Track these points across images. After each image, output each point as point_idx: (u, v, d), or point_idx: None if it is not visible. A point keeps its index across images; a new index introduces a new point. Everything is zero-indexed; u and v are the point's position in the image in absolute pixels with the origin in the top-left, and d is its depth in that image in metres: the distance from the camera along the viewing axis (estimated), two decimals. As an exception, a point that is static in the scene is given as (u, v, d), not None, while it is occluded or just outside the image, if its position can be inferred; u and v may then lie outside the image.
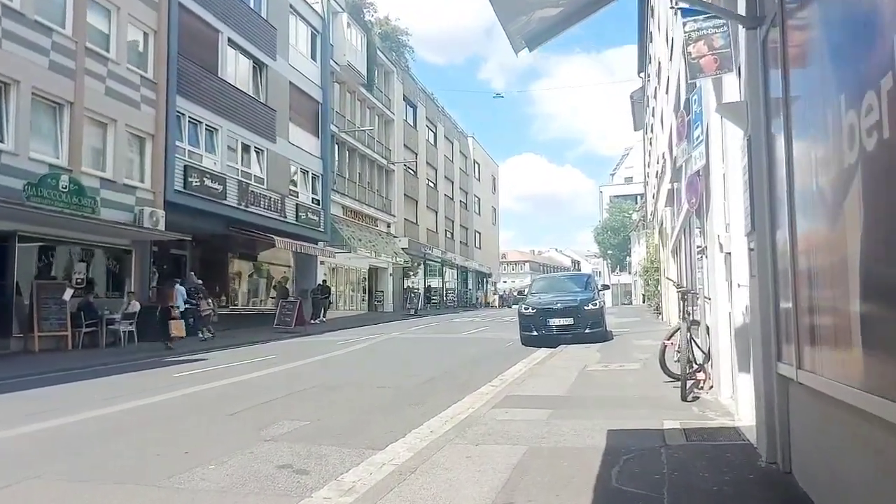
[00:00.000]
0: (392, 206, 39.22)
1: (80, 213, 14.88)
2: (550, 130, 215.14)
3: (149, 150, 18.54)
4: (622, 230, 69.44)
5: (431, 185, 47.48)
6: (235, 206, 22.24)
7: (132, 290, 17.91)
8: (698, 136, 7.35)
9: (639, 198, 66.50)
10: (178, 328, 17.44)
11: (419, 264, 45.21)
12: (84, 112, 15.99)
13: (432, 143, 48.10)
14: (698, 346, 7.53)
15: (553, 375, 9.09)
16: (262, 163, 24.65)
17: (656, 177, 24.45)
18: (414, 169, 43.61)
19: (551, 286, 16.49)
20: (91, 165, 16.35)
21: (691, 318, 7.54)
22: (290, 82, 26.72)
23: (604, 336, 14.55)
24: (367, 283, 37.67)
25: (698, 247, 7.57)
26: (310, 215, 27.38)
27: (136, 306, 17.34)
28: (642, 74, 36.44)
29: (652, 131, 28.43)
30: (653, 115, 26.78)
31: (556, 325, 14.22)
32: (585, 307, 14.31)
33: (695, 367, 7.40)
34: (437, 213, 48.32)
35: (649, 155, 33.41)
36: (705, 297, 7.43)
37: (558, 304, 14.37)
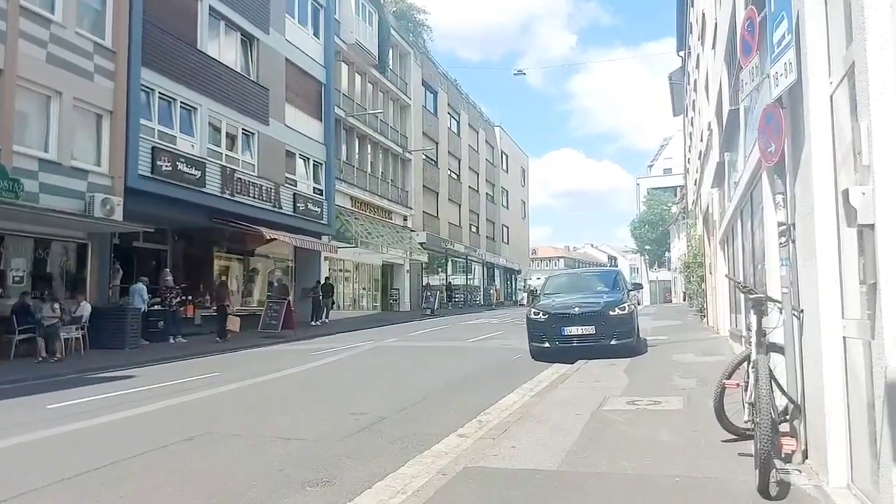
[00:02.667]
0: (409, 198, 36.50)
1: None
2: (588, 125, 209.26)
3: (106, 129, 16.12)
4: (661, 224, 65.53)
5: (454, 176, 44.64)
6: (218, 194, 19.75)
7: (83, 289, 15.52)
8: (782, 40, 4.39)
9: (678, 190, 62.59)
10: (233, 323, 18.48)
11: (444, 260, 42.48)
12: (16, 81, 13.61)
13: (455, 131, 45.23)
14: (779, 387, 4.56)
15: (552, 420, 6.19)
16: (253, 147, 22.15)
17: (699, 158, 21.20)
18: (434, 158, 40.82)
19: (570, 285, 13.52)
20: (26, 144, 13.97)
21: (766, 343, 4.57)
22: (287, 59, 24.17)
23: (634, 349, 11.55)
24: (381, 280, 35.07)
25: (780, 225, 4.60)
26: (310, 206, 24.82)
27: (85, 308, 14.96)
28: (682, 53, 33.47)
29: (694, 109, 25.19)
30: (694, 90, 23.54)
31: (573, 335, 11.27)
32: (611, 312, 11.32)
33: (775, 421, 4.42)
34: (460, 206, 45.45)
35: (690, 137, 30.09)
36: (793, 310, 4.46)
37: (576, 309, 11.41)
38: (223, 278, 21.61)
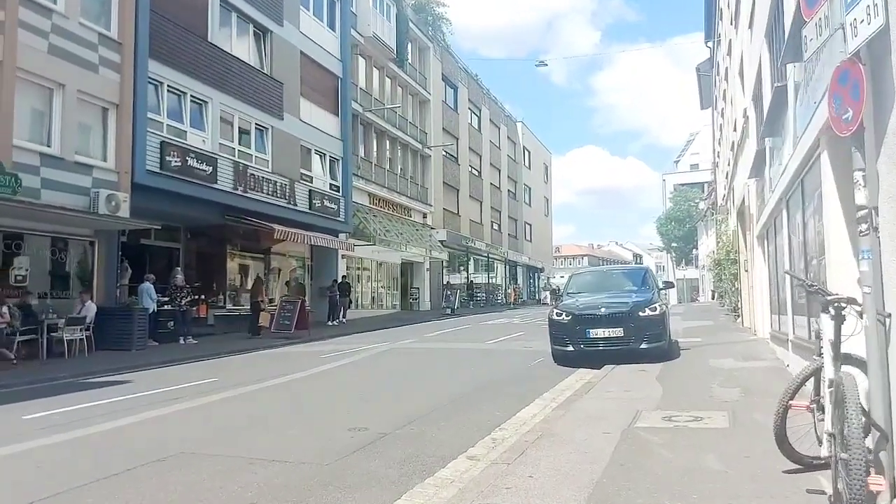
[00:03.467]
0: (428, 195, 35.75)
1: (-1, 195, 11.95)
2: (612, 122, 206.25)
3: (112, 123, 15.60)
4: (688, 220, 64.04)
5: (475, 172, 43.78)
6: (230, 191, 19.18)
7: (89, 289, 15.02)
8: (864, -22, 3.52)
9: (706, 186, 61.01)
10: (264, 319, 19.03)
11: (467, 259, 41.67)
12: (16, 73, 13.11)
13: (476, 127, 44.36)
14: (861, 410, 3.67)
15: (576, 440, 5.36)
16: (266, 143, 21.55)
17: (731, 149, 20.12)
18: (454, 155, 40.01)
19: (596, 284, 12.61)
20: (27, 138, 13.48)
21: (839, 355, 3.68)
22: (302, 52, 23.55)
23: (666, 352, 10.64)
24: (401, 278, 34.39)
25: (860, 209, 3.71)
26: (326, 203, 24.17)
27: (91, 309, 14.45)
28: (710, 43, 32.34)
29: (724, 99, 24.07)
30: (725, 79, 22.43)
31: (599, 338, 10.40)
32: (640, 313, 10.42)
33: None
34: (481, 203, 44.59)
35: (720, 129, 28.90)
36: (878, 314, 3.58)
37: (602, 310, 10.54)
38: (259, 275, 22.10)
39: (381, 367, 11.65)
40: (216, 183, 18.50)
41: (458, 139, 40.51)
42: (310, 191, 23.22)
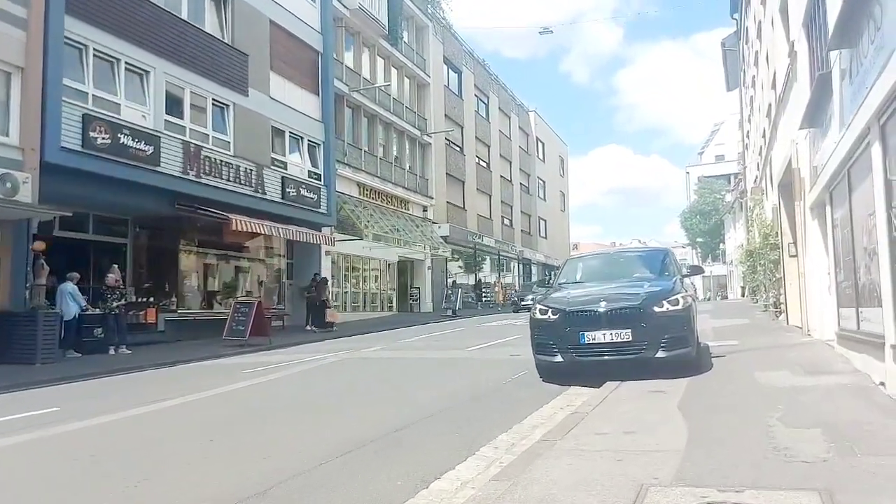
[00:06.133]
0: (429, 187, 32.87)
1: None
2: (635, 120, 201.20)
3: (16, 90, 12.97)
4: (714, 214, 60.36)
5: (483, 164, 40.80)
6: (180, 175, 16.50)
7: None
8: None
9: (732, 178, 57.40)
10: (333, 315, 20.66)
11: (473, 256, 38.71)
12: None
13: (483, 115, 41.39)
14: None
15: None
16: (227, 121, 18.86)
17: (768, 115, 16.96)
18: (459, 143, 37.10)
19: (599, 270, 9.59)
20: None
21: None
22: (272, 21, 20.85)
23: (692, 362, 7.63)
24: (399, 278, 31.55)
25: None
26: (304, 192, 21.42)
27: (-21, 313, 11.84)
28: (735, 16, 29.34)
29: (756, 64, 20.90)
30: (758, 38, 19.26)
31: (597, 344, 7.42)
32: (656, 308, 7.42)
33: None
34: (490, 196, 41.58)
35: (750, 103, 25.68)
36: None
37: (602, 304, 7.54)
38: (323, 275, 22.02)
39: (306, 388, 8.79)
40: (159, 165, 15.83)
41: (462, 127, 37.58)
42: (283, 178, 20.48)
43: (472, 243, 37.65)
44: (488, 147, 41.74)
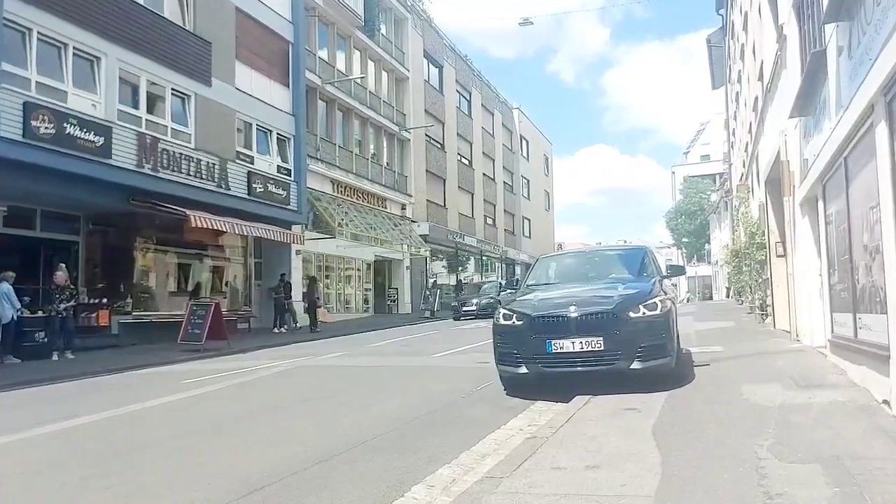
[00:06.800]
0: (408, 184, 31.97)
1: None
2: (622, 121, 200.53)
3: (-56, 74, 12.01)
4: (699, 213, 59.97)
5: (465, 161, 39.94)
6: (135, 169, 15.51)
7: None
8: None
9: (717, 177, 56.97)
10: (323, 315, 20.89)
11: (456, 255, 37.84)
12: None
13: (465, 111, 40.51)
14: None
15: None
16: (188, 113, 17.87)
17: (755, 109, 16.27)
18: (440, 140, 36.22)
19: (572, 270, 8.78)
20: None
21: None
22: (238, 8, 19.88)
23: (670, 372, 6.83)
24: (376, 278, 30.62)
25: None
26: (272, 188, 20.45)
27: None
28: (721, 11, 28.82)
29: (742, 58, 20.26)
30: (744, 30, 18.60)
31: (566, 354, 6.59)
32: (631, 313, 6.61)
33: None
34: (472, 194, 40.73)
35: (736, 99, 25.10)
36: None
37: (572, 309, 6.72)
38: (314, 276, 22.67)
39: (230, 406, 7.80)
40: (111, 158, 14.83)
41: (444, 124, 36.70)
42: (249, 173, 19.51)
43: (454, 243, 36.80)
44: (470, 144, 40.90)
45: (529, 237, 52.10)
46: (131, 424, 6.72)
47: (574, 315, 6.66)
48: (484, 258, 42.95)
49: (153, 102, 16.84)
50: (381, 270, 31.01)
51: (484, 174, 42.87)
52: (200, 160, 17.63)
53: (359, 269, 29.24)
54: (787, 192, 9.72)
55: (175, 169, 16.68)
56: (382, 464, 4.56)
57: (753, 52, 16.14)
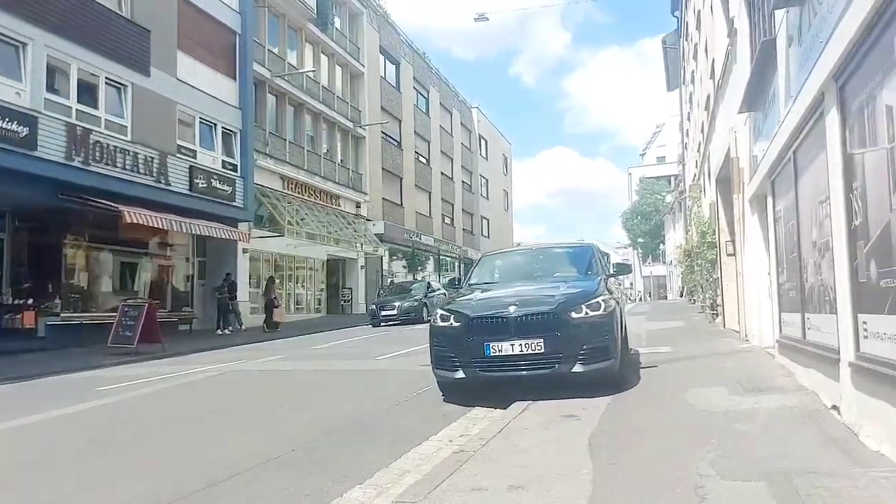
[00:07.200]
0: (363, 182, 31.33)
1: None
2: (582, 124, 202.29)
3: None
4: (654, 214, 60.72)
5: (422, 160, 39.45)
6: (64, 162, 14.58)
7: None
8: None
9: (673, 179, 57.77)
10: (280, 315, 20.30)
11: (413, 255, 37.28)
12: None
13: (423, 109, 40.02)
14: None
15: None
16: (124, 103, 16.96)
17: (707, 108, 16.21)
18: (396, 138, 35.65)
19: (515, 269, 8.38)
20: None
21: None
22: (180, -4, 19.03)
23: (615, 377, 6.48)
24: (329, 278, 29.90)
25: None
26: (216, 184, 19.63)
27: None
28: (677, 13, 28.97)
29: (695, 58, 20.28)
30: (697, 29, 18.60)
31: (504, 357, 6.18)
32: (573, 314, 6.23)
33: None
34: (430, 193, 40.27)
35: (690, 100, 25.23)
36: None
37: (511, 310, 6.31)
38: (272, 275, 23.00)
39: (153, 415, 7.21)
40: (35, 150, 13.90)
41: (401, 121, 36.14)
42: (191, 167, 18.67)
43: (411, 242, 36.27)
44: (428, 143, 40.43)
45: (488, 237, 51.88)
46: (66, 432, 6.05)
47: (513, 315, 6.25)
48: (442, 258, 42.52)
49: (85, 92, 15.89)
50: (335, 270, 30.30)
51: (442, 173, 42.47)
52: (138, 153, 16.75)
53: (311, 269, 28.49)
54: (737, 190, 9.52)
55: (109, 162, 15.79)
56: (283, 484, 4.05)
57: (706, 50, 16.08)
